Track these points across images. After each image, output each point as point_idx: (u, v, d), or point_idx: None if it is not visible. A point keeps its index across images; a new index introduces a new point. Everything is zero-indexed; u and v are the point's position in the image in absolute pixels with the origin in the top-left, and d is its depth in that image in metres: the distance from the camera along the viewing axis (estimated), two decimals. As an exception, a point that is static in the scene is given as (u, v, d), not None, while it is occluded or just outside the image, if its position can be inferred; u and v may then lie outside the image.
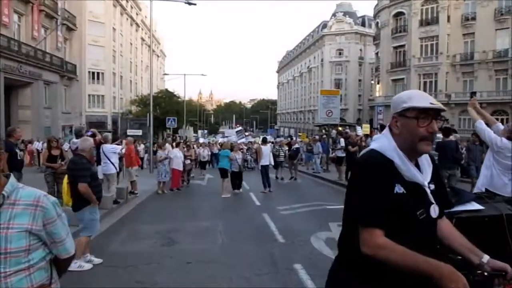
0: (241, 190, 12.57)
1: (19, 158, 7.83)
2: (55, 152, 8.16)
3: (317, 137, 22.57)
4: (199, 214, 8.90)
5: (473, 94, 5.25)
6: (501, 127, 4.60)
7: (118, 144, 10.71)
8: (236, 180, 12.48)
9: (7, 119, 24.00)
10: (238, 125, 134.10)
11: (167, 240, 6.37)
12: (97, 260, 5.12)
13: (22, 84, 26.06)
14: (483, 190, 4.51)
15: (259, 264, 5.07)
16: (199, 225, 7.63)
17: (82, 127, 8.96)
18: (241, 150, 13.98)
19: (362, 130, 24.28)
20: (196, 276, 4.66)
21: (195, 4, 17.91)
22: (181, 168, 13.10)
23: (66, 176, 5.36)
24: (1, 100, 22.50)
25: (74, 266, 4.86)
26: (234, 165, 12.34)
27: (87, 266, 4.92)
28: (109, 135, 9.96)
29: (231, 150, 13.10)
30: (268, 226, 7.42)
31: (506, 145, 4.26)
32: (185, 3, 17.66)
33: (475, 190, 4.90)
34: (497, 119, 5.46)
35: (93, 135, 8.48)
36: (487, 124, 4.71)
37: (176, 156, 12.80)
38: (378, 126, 18.38)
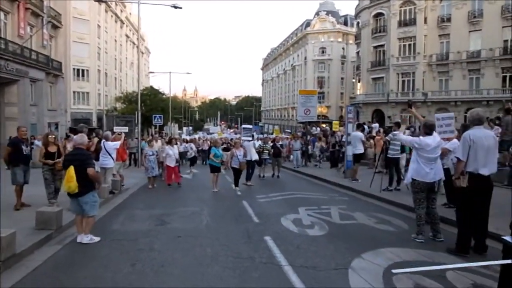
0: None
1: (25, 153, 8.29)
2: (52, 149, 8.14)
3: (299, 134, 23.80)
4: (186, 202, 9.95)
5: (410, 103, 6.49)
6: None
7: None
8: (239, 176, 12.60)
9: (-5, 116, 24.48)
10: (222, 122, 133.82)
11: (160, 222, 7.46)
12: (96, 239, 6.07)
13: (9, 81, 26.40)
14: (411, 180, 5.76)
15: (237, 237, 6.24)
16: (187, 210, 8.69)
17: (84, 125, 9.86)
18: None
19: (333, 127, 25.43)
20: (186, 245, 5.79)
21: (181, 8, 18.85)
22: (172, 165, 13.20)
23: (71, 166, 6.12)
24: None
25: (86, 239, 5.93)
26: (235, 161, 12.44)
27: (96, 238, 6.00)
28: (110, 133, 10.84)
29: (228, 148, 13.34)
30: (246, 210, 8.60)
31: (425, 141, 5.51)
32: (172, 7, 18.60)
33: (405, 182, 6.06)
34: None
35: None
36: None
37: (169, 153, 13.21)
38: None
